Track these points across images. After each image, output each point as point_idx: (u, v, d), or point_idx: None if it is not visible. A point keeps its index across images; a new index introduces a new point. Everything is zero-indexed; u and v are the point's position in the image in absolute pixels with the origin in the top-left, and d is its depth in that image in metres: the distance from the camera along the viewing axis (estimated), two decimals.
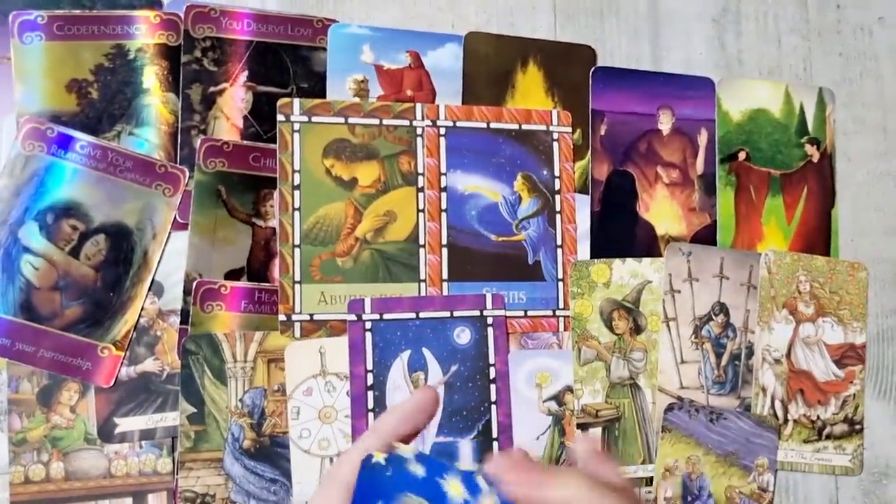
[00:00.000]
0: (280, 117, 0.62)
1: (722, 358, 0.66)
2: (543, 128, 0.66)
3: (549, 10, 0.68)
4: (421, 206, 0.63)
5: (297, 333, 0.60)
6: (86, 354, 0.58)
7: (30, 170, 0.58)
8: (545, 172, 0.66)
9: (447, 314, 0.62)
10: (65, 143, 0.58)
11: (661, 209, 0.68)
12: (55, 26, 0.59)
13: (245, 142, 0.61)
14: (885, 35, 0.73)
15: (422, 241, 0.63)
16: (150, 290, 0.59)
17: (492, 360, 0.63)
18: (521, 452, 0.34)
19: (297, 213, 0.61)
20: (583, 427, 0.64)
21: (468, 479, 0.34)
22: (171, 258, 0.60)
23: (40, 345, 0.57)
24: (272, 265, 0.61)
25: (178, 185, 0.60)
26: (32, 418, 0.57)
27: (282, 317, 0.60)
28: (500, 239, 0.64)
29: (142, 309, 0.59)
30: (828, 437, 0.67)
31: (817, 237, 0.70)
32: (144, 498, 0.58)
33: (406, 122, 0.64)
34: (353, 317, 0.61)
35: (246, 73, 0.62)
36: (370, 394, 0.60)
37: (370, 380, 0.61)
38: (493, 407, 0.62)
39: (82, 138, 0.59)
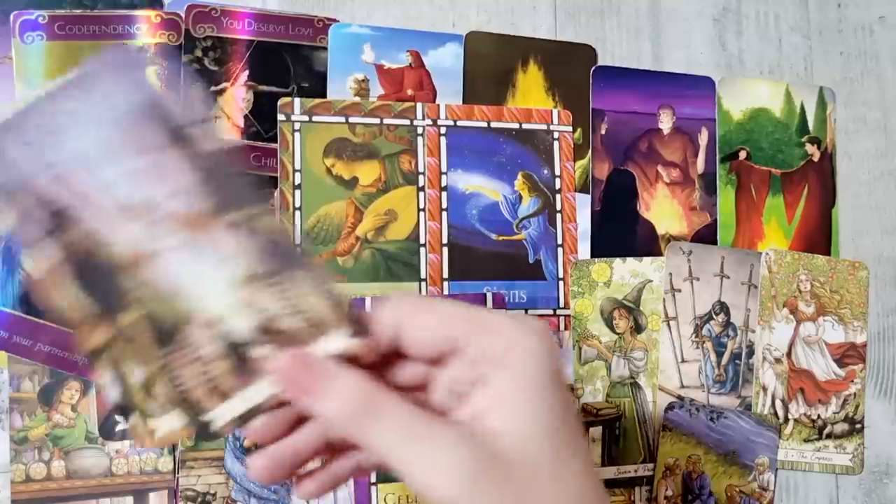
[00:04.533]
0: (281, 117, 0.62)
1: (722, 357, 0.66)
2: (544, 127, 0.66)
3: (550, 9, 0.68)
4: (422, 206, 0.63)
5: None
6: None
7: None
8: (546, 172, 0.66)
9: None
10: None
11: (662, 208, 0.68)
12: (56, 26, 0.60)
13: (246, 141, 0.61)
14: (885, 34, 0.73)
15: (422, 241, 0.63)
16: None
17: None
18: (292, 352, 0.30)
19: (297, 213, 0.61)
20: (584, 426, 0.64)
21: None
22: None
23: (38, 339, 0.57)
24: None
25: None
26: (34, 417, 0.57)
27: None
28: (501, 238, 0.65)
29: None
30: (828, 436, 0.67)
31: (818, 236, 0.70)
32: (145, 496, 0.58)
33: (407, 122, 0.64)
34: None
35: (247, 72, 0.62)
36: None
37: None
38: None
39: None
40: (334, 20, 0.64)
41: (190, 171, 0.31)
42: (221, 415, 0.30)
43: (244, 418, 0.30)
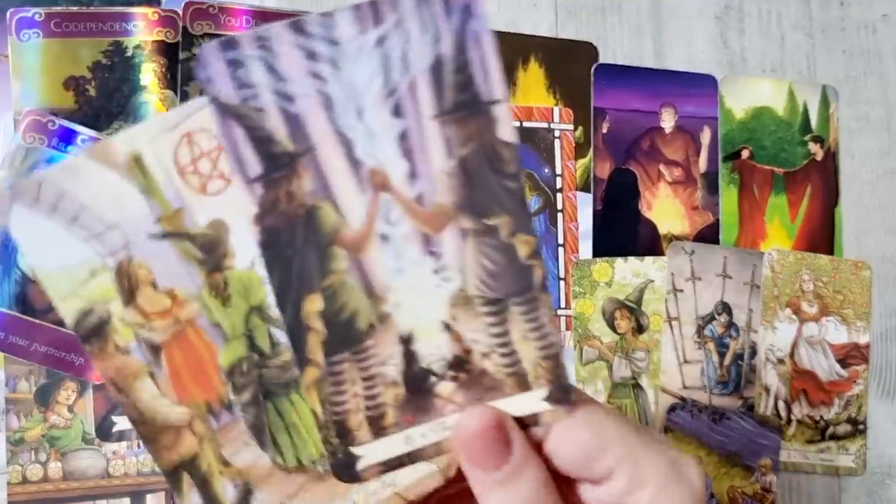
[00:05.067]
0: None
1: (725, 358, 0.66)
2: (545, 125, 0.66)
3: (551, 6, 0.68)
4: None
5: None
6: (79, 350, 0.57)
7: (30, 162, 0.58)
8: (546, 170, 0.65)
9: None
10: (66, 136, 0.58)
11: (664, 208, 0.67)
12: (53, 23, 0.59)
13: None
14: (889, 33, 0.73)
15: None
16: None
17: None
18: (494, 417, 0.25)
19: None
20: None
21: None
22: None
23: (34, 339, 0.57)
24: None
25: None
26: (30, 418, 0.57)
27: None
28: None
29: None
30: (831, 437, 0.67)
31: (821, 236, 0.69)
32: (142, 498, 0.58)
33: None
34: None
35: None
36: None
37: None
38: None
39: (84, 132, 0.58)
40: None
41: (446, 155, 0.24)
42: (373, 452, 0.25)
43: (396, 463, 0.25)
